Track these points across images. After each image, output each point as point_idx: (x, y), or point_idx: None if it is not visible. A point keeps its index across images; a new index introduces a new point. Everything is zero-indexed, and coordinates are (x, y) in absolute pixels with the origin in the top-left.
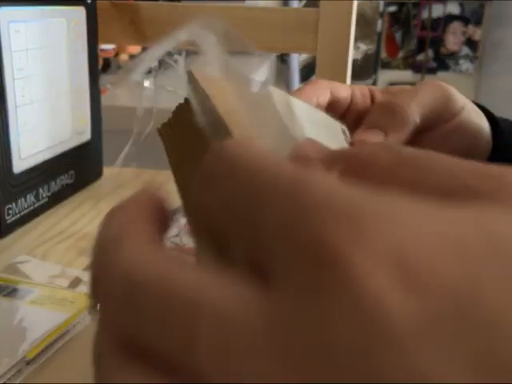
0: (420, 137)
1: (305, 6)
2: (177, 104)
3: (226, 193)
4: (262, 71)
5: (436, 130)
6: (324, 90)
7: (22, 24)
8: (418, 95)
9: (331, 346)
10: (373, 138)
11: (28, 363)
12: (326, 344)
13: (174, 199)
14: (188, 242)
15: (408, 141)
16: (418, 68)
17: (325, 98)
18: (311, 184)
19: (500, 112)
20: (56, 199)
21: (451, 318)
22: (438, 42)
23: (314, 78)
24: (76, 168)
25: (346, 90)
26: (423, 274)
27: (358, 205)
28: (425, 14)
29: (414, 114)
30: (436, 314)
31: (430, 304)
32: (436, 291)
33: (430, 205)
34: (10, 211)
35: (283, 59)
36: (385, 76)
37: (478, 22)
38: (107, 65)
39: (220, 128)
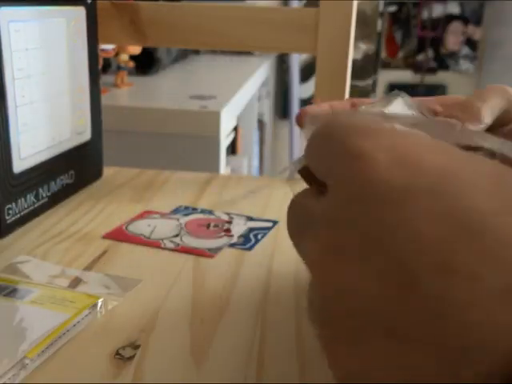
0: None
1: (305, 6)
2: None
3: (320, 152)
4: (261, 71)
5: (498, 130)
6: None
7: (22, 24)
8: (489, 99)
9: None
10: (452, 123)
11: (28, 363)
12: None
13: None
14: (188, 241)
15: None
16: (418, 68)
17: None
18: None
19: None
20: (56, 199)
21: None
22: (438, 42)
23: (313, 78)
24: (76, 168)
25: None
26: (412, 160)
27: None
28: (425, 14)
29: (487, 115)
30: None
31: (411, 178)
32: (418, 170)
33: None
34: (10, 211)
35: (283, 59)
36: (385, 76)
37: (477, 22)
38: (107, 65)
39: None
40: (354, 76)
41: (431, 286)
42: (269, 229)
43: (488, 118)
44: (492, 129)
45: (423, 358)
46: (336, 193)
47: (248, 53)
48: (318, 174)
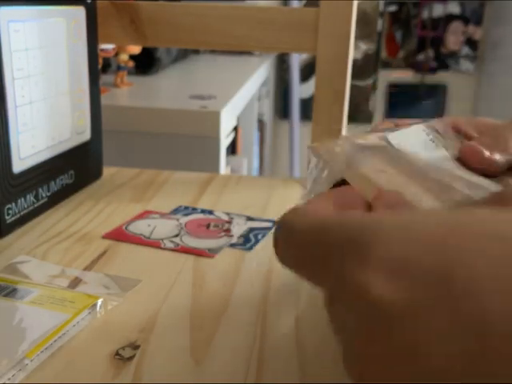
0: None
1: (305, 6)
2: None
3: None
4: (261, 71)
5: None
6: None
7: (22, 24)
8: None
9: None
10: (481, 149)
11: (27, 363)
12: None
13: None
14: (188, 241)
15: None
16: (418, 67)
17: None
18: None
19: (500, 111)
20: (56, 199)
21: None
22: (438, 42)
23: (313, 78)
24: (76, 168)
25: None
26: (404, 272)
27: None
28: (425, 14)
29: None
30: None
31: (413, 292)
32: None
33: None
34: (10, 211)
35: (283, 59)
36: (385, 76)
37: (478, 22)
38: (107, 65)
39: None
40: (354, 76)
41: None
42: (269, 229)
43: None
44: None
45: None
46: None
47: (248, 53)
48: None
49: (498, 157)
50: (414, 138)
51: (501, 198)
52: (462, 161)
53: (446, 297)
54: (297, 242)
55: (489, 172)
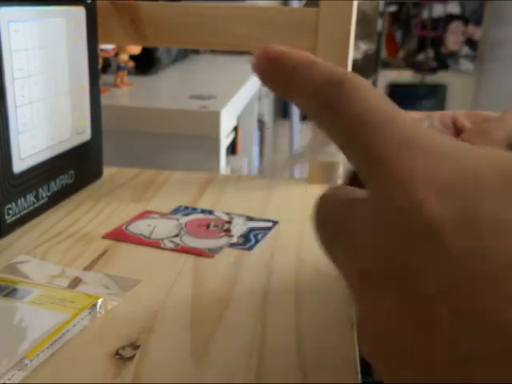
0: None
1: (305, 6)
2: None
3: None
4: None
5: None
6: None
7: (22, 24)
8: (506, 122)
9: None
10: None
11: (27, 363)
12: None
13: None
14: (188, 241)
15: None
16: (418, 67)
17: None
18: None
19: (500, 111)
20: (56, 199)
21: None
22: (438, 42)
23: None
24: (76, 168)
25: (424, 113)
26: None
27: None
28: (425, 14)
29: (500, 139)
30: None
31: (450, 205)
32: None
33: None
34: (10, 211)
35: None
36: (385, 75)
37: (478, 22)
38: (107, 65)
39: None
40: None
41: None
42: (269, 229)
43: (502, 144)
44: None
45: None
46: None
47: (248, 53)
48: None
49: None
50: None
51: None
52: None
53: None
54: None
55: None
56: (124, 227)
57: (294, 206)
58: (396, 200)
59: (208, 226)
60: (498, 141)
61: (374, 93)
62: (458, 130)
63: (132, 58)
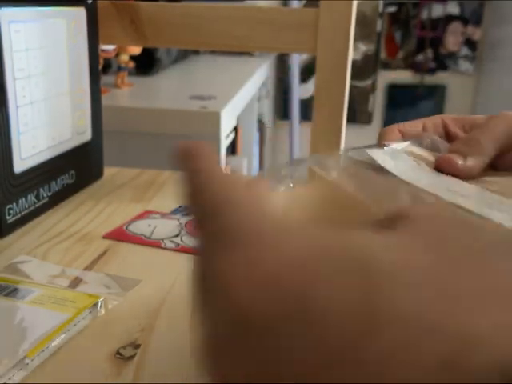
0: (497, 160)
1: (305, 6)
2: None
3: None
4: (261, 71)
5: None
6: (393, 132)
7: (23, 24)
8: (493, 129)
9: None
10: (455, 159)
11: (28, 363)
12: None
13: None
14: (188, 241)
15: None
16: (417, 68)
17: (396, 140)
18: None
19: (499, 112)
20: (56, 199)
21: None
22: (437, 42)
23: (313, 78)
24: (76, 168)
25: (415, 124)
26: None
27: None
28: (424, 14)
29: (489, 146)
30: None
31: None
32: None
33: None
34: (11, 211)
35: (283, 59)
36: (385, 76)
37: (477, 22)
38: (108, 65)
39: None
40: (354, 76)
41: None
42: None
43: (490, 150)
44: (504, 152)
45: None
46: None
47: (248, 53)
48: None
49: (471, 162)
50: (400, 161)
51: (391, 220)
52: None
53: (295, 311)
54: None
55: (466, 178)
56: (124, 227)
57: None
58: (218, 303)
59: None
60: (488, 150)
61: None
62: (450, 138)
63: (132, 58)
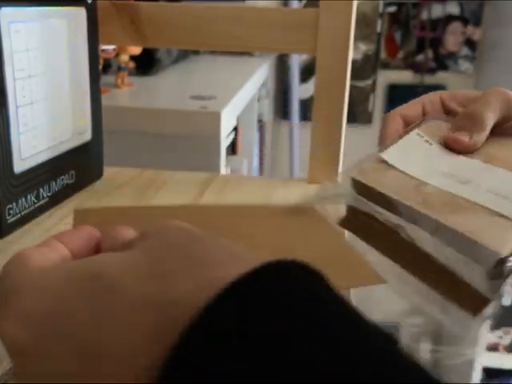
0: (494, 131)
1: (305, 6)
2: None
3: None
4: (261, 71)
5: (505, 125)
6: (394, 118)
7: (23, 24)
8: (491, 103)
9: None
10: (461, 137)
11: None
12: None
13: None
14: None
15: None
16: (417, 68)
17: (399, 126)
18: None
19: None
20: (57, 199)
21: (47, 335)
22: (437, 43)
23: (313, 78)
24: (76, 168)
25: (415, 106)
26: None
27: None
28: (424, 15)
29: (490, 120)
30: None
31: (34, 332)
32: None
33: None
34: (11, 211)
35: (283, 59)
36: (385, 76)
37: (477, 23)
38: (108, 65)
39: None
40: (354, 76)
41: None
42: None
43: (491, 123)
44: (501, 124)
45: None
46: None
47: (248, 53)
48: None
49: (476, 138)
50: (412, 149)
51: (133, 240)
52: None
53: (51, 335)
54: None
55: (471, 151)
56: None
57: None
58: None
59: None
60: (489, 123)
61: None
62: (448, 113)
63: (132, 58)
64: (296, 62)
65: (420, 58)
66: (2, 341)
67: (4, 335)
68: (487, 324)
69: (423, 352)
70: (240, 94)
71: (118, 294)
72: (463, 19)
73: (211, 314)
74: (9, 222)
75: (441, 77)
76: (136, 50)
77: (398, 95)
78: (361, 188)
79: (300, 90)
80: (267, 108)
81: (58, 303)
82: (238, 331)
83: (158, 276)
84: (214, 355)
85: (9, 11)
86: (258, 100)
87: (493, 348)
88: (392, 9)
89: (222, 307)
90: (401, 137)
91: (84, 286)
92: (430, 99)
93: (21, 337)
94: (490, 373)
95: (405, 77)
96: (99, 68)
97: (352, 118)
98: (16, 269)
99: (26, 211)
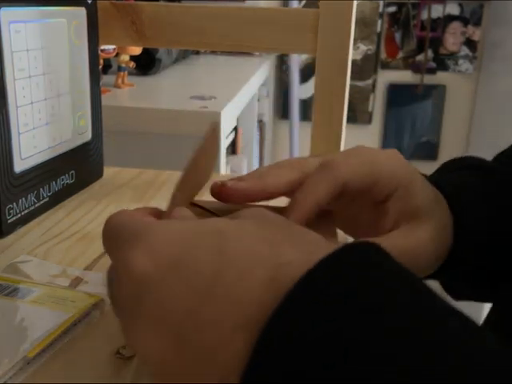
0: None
1: (305, 6)
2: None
3: None
4: (261, 71)
5: (373, 190)
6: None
7: (23, 24)
8: (315, 190)
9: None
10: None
11: (29, 363)
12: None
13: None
14: None
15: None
16: (417, 68)
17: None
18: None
19: (499, 112)
20: (57, 199)
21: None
22: (437, 43)
23: (313, 79)
24: (77, 168)
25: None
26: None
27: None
28: (424, 15)
29: (312, 209)
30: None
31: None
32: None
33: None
34: (11, 211)
35: (283, 59)
36: (384, 76)
37: (477, 23)
38: (108, 65)
39: None
40: (354, 76)
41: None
42: None
43: (312, 209)
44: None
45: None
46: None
47: (248, 53)
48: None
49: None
50: None
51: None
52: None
53: (177, 272)
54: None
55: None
56: None
57: None
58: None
59: None
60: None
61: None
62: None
63: (133, 58)
64: (296, 62)
65: (420, 58)
66: (128, 270)
67: (131, 265)
68: None
69: None
70: (240, 94)
71: (240, 248)
72: (463, 19)
73: (324, 274)
74: (9, 221)
75: (441, 77)
76: (136, 50)
77: (397, 95)
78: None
79: (300, 90)
80: (267, 108)
81: (184, 248)
82: (346, 294)
83: (272, 242)
84: (325, 309)
85: (9, 11)
86: (258, 100)
87: None
88: (392, 9)
89: (332, 271)
90: None
91: (209, 237)
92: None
93: (147, 270)
94: None
95: (405, 77)
96: (99, 68)
97: (352, 118)
98: (131, 217)
99: (26, 211)
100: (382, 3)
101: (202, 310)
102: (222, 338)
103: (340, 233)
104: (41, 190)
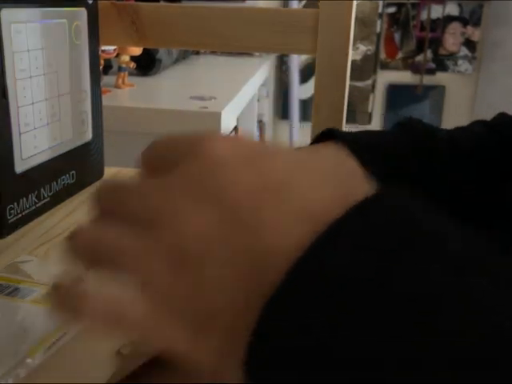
0: None
1: (305, 6)
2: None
3: None
4: (261, 71)
5: None
6: None
7: (24, 25)
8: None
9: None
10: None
11: (29, 362)
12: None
13: None
14: None
15: None
16: (417, 69)
17: None
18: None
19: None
20: (57, 199)
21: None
22: (436, 43)
23: (313, 79)
24: (77, 168)
25: None
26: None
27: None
28: (424, 15)
29: None
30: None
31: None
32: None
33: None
34: (12, 211)
35: (283, 60)
36: (384, 77)
37: (476, 23)
38: (108, 66)
39: None
40: (354, 77)
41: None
42: None
43: None
44: None
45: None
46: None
47: (248, 54)
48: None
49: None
50: None
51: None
52: None
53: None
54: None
55: None
56: None
57: None
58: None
59: None
60: None
61: None
62: None
63: (133, 59)
64: (296, 62)
65: (419, 58)
66: (208, 149)
67: (212, 147)
68: None
69: None
70: (240, 94)
71: (317, 167)
72: (463, 19)
73: (349, 221)
74: (10, 221)
75: (440, 77)
76: (136, 51)
77: (397, 95)
78: None
79: (300, 91)
80: (267, 108)
81: (263, 148)
82: (365, 242)
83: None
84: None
85: (10, 12)
86: (258, 100)
87: None
88: (391, 9)
89: (356, 220)
90: None
91: (286, 151)
92: None
93: (226, 153)
94: None
95: (404, 77)
96: (100, 68)
97: (352, 118)
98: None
99: (27, 211)
100: (381, 3)
101: (264, 206)
102: (282, 233)
103: None
104: (41, 190)
